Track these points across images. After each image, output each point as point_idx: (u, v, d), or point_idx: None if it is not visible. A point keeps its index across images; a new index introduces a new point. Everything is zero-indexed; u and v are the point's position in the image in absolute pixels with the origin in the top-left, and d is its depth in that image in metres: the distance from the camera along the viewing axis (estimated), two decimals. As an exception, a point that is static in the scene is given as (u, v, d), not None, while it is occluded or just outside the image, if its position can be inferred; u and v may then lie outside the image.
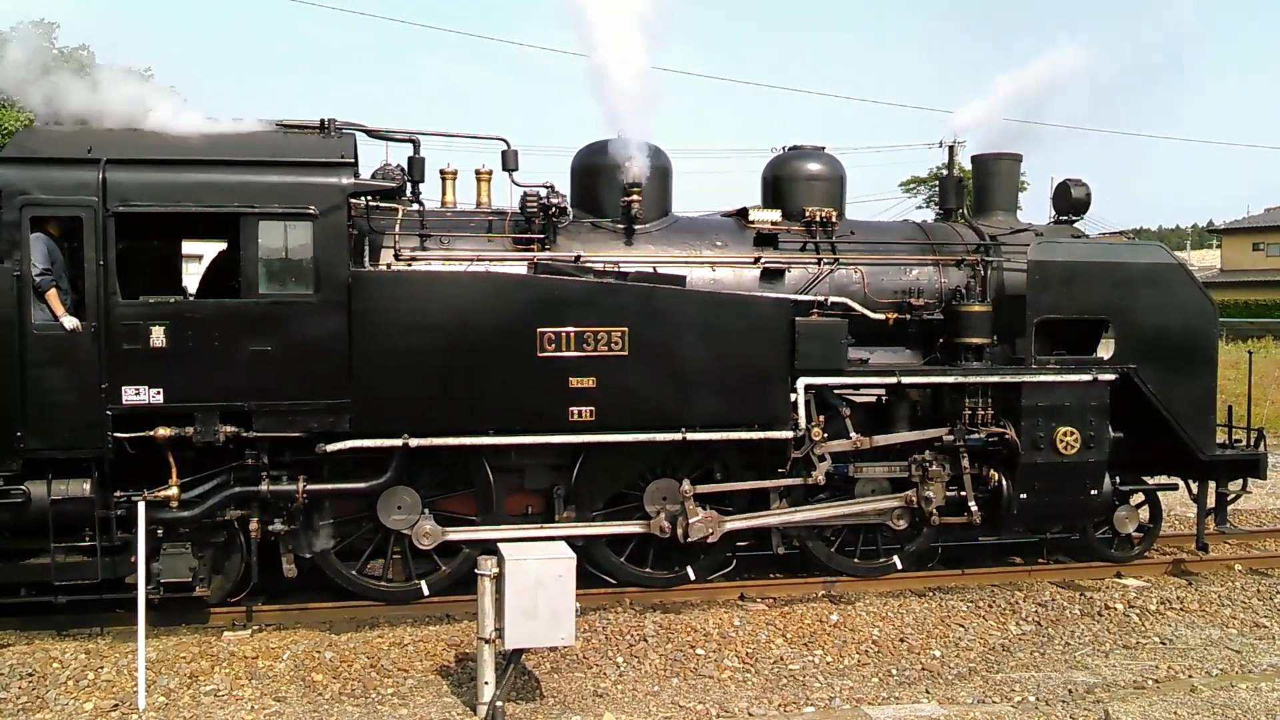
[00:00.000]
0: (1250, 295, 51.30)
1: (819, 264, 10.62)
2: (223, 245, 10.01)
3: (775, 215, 10.77)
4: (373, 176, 9.50)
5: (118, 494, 8.59)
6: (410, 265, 9.51)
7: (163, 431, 8.47)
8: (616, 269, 9.90)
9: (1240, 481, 11.38)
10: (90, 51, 34.21)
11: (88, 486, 8.46)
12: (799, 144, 11.51)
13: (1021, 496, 10.22)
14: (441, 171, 10.41)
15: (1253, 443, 11.36)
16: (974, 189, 12.45)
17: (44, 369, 8.29)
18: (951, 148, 31.92)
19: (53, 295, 8.34)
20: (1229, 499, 11.47)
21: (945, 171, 33.15)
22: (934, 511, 10.21)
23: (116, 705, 7.63)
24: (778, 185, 11.23)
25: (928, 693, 8.12)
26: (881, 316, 10.48)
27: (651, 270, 9.96)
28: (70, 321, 8.32)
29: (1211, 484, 11.31)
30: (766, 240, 10.63)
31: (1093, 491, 10.42)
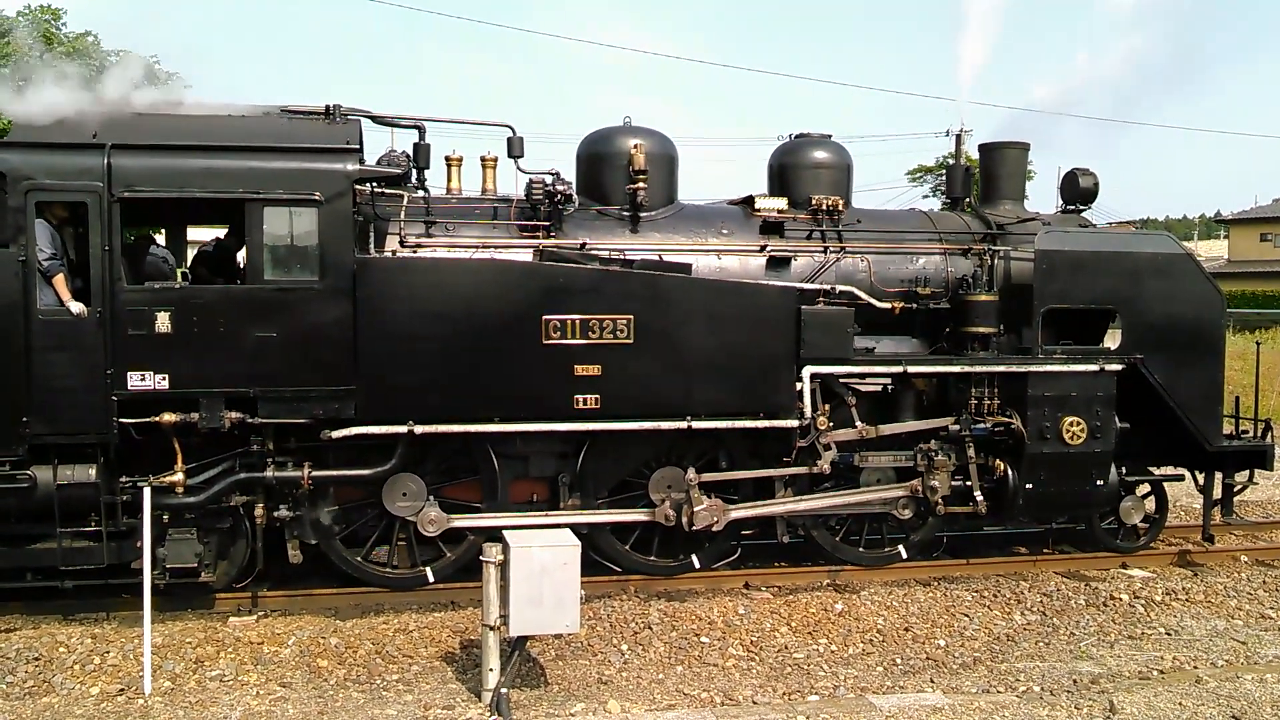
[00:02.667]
0: (1258, 286, 51.12)
1: (825, 252, 10.58)
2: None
3: (781, 203, 10.74)
4: (378, 163, 9.47)
5: (123, 479, 8.60)
6: (415, 252, 9.50)
7: (168, 417, 8.47)
8: (622, 257, 9.88)
9: (1247, 472, 11.36)
10: (96, 38, 34.30)
11: (93, 472, 8.47)
12: (806, 132, 11.46)
13: (1027, 486, 10.20)
14: (447, 158, 10.38)
15: (1259, 434, 11.34)
16: (981, 178, 12.40)
17: (49, 354, 8.29)
18: (959, 136, 31.80)
19: (60, 280, 8.35)
20: (1235, 490, 11.46)
21: (952, 160, 33.10)
22: (939, 501, 10.19)
23: (123, 689, 7.65)
24: (784, 173, 11.19)
25: (932, 682, 8.12)
26: (888, 305, 10.45)
27: (657, 258, 9.94)
28: (76, 306, 8.32)
29: (1218, 475, 11.30)
30: (772, 228, 10.60)
31: (1098, 482, 10.39)
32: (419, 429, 8.91)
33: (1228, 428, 11.30)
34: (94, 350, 8.33)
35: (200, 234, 11.75)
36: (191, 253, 11.05)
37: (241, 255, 9.07)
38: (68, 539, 8.56)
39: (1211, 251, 65.79)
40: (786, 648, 8.83)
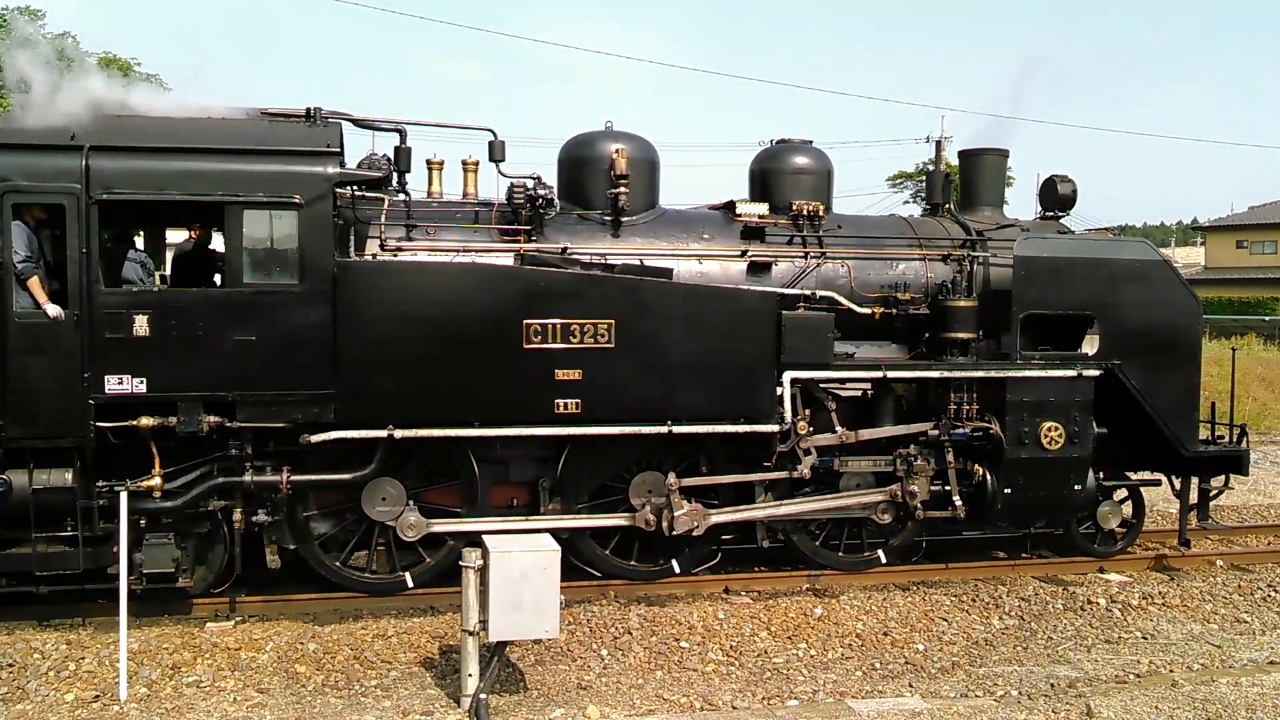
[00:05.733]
0: (1234, 292, 51.56)
1: (806, 258, 10.62)
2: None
3: (762, 209, 10.76)
4: (359, 166, 9.44)
5: (100, 484, 8.53)
6: (396, 255, 9.47)
7: (146, 421, 8.42)
8: (603, 261, 9.88)
9: (1223, 477, 11.45)
10: (75, 39, 34.12)
11: (69, 476, 8.40)
12: (786, 137, 11.50)
13: (1006, 491, 10.25)
14: (428, 162, 10.37)
15: (1235, 439, 11.40)
16: (961, 184, 12.47)
17: (25, 357, 8.22)
18: (939, 143, 32.01)
19: (35, 282, 8.27)
20: (1211, 495, 11.54)
21: (932, 166, 33.29)
22: (918, 506, 10.23)
23: (98, 696, 7.59)
24: (765, 179, 11.22)
25: (911, 686, 8.15)
26: (868, 311, 10.49)
27: (638, 263, 9.95)
28: (53, 309, 8.26)
29: (1194, 480, 11.37)
30: (753, 233, 10.62)
31: (1076, 487, 10.46)
32: (399, 433, 8.89)
33: (1204, 433, 11.38)
34: (71, 353, 8.27)
35: (180, 236, 11.67)
36: (170, 255, 11.00)
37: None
38: (43, 544, 8.48)
39: (1188, 258, 66.28)
40: (766, 652, 8.84)
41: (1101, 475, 10.97)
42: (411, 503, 9.37)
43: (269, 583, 9.63)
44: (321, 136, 8.93)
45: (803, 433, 9.86)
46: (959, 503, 10.29)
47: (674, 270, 10.01)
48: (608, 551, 10.04)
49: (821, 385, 10.09)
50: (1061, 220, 12.13)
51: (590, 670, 8.33)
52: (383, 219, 9.50)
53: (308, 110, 9.22)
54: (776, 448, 9.84)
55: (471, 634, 7.41)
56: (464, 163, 10.48)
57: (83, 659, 8.09)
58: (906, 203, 49.08)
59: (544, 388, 9.11)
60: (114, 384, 8.34)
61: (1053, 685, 8.08)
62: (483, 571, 7.42)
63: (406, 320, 8.83)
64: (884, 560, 10.69)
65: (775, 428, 9.69)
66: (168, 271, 10.71)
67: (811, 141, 11.45)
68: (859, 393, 10.63)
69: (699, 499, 9.81)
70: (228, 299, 8.55)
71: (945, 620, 9.64)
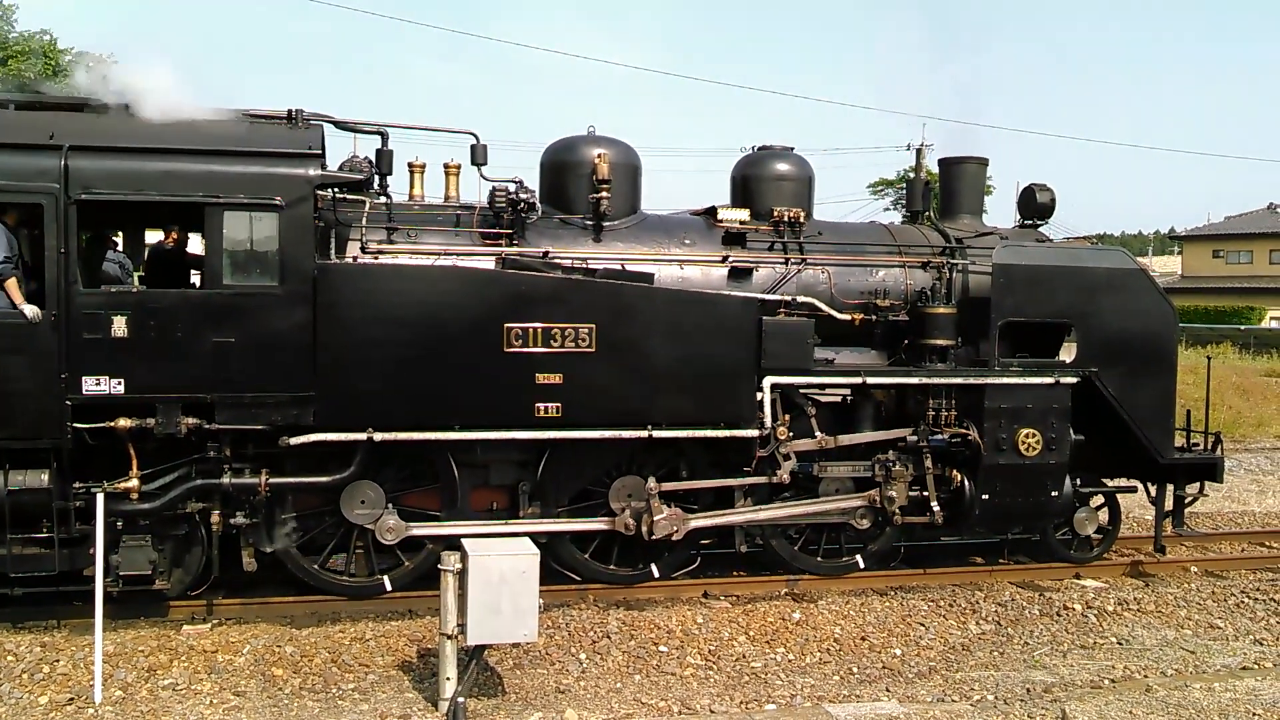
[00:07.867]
0: (1210, 301, 52.04)
1: (786, 264, 10.66)
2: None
3: (744, 215, 10.81)
4: (340, 168, 9.43)
5: (77, 485, 8.49)
6: (377, 258, 9.46)
7: (123, 422, 8.38)
8: (584, 265, 9.90)
9: (1197, 485, 11.55)
10: (53, 37, 33.88)
11: (46, 477, 8.36)
12: (768, 144, 11.55)
13: (983, 497, 10.31)
14: (410, 165, 10.37)
15: (1210, 447, 11.52)
16: (940, 192, 12.54)
17: (2, 358, 8.17)
18: (919, 151, 32.17)
19: (12, 284, 8.23)
20: (1186, 502, 11.65)
21: (913, 174, 33.45)
22: (897, 511, 10.28)
23: (72, 699, 7.53)
24: (746, 185, 11.26)
25: (888, 691, 8.18)
26: (847, 317, 10.55)
27: (619, 267, 9.97)
28: (30, 310, 8.20)
29: (1170, 487, 11.48)
30: (735, 239, 10.67)
31: (1053, 493, 10.53)
32: (378, 436, 8.87)
33: (1179, 440, 11.49)
34: (48, 354, 8.22)
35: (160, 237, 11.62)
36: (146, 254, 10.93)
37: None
38: (18, 545, 8.44)
39: (1165, 267, 66.85)
40: (744, 657, 8.86)
41: (1078, 482, 11.05)
42: (390, 506, 9.35)
43: (246, 585, 9.59)
44: (303, 138, 8.92)
45: (782, 438, 9.89)
46: (937, 508, 10.35)
47: (655, 275, 10.04)
48: (587, 555, 10.04)
49: (801, 390, 10.14)
50: (1040, 228, 12.21)
51: (569, 674, 8.32)
52: (364, 222, 9.48)
53: (289, 112, 9.19)
54: (756, 452, 9.87)
55: (450, 637, 7.40)
56: (446, 166, 10.49)
57: (57, 661, 8.03)
58: (887, 210, 49.25)
59: (524, 391, 9.11)
60: (92, 385, 8.30)
61: (1029, 690, 8.12)
62: (461, 575, 7.41)
63: (387, 323, 8.81)
64: (862, 565, 10.74)
65: (755, 432, 9.72)
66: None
67: (793, 148, 11.50)
68: (839, 398, 10.68)
69: (678, 503, 9.84)
70: (207, 300, 8.52)
71: (923, 625, 9.69)
